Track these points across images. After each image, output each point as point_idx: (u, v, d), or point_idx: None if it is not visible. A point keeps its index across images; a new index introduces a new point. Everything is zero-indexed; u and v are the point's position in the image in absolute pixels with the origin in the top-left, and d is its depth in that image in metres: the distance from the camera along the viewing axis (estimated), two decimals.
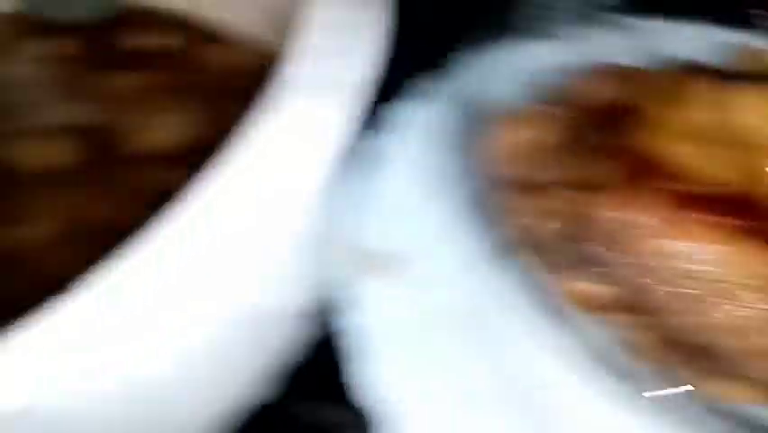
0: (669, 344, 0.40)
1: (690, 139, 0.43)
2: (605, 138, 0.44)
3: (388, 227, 0.44)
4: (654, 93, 0.45)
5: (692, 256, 0.38)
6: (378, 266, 0.42)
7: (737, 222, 0.38)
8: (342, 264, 0.42)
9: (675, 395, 0.40)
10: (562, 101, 0.47)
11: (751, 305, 0.37)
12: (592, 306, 0.42)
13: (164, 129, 0.50)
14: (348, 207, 0.44)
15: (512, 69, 0.56)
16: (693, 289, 0.38)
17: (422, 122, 0.48)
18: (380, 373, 0.38)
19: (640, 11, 0.64)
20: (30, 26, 0.57)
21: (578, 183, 0.43)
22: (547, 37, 0.61)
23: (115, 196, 0.45)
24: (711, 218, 0.38)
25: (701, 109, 0.43)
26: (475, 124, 0.50)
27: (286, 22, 0.43)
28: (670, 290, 0.38)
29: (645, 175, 0.40)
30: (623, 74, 0.49)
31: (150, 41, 0.57)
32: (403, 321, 0.40)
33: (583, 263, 0.41)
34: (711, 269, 0.38)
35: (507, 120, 0.48)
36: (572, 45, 0.61)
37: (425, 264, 0.43)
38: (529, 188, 0.44)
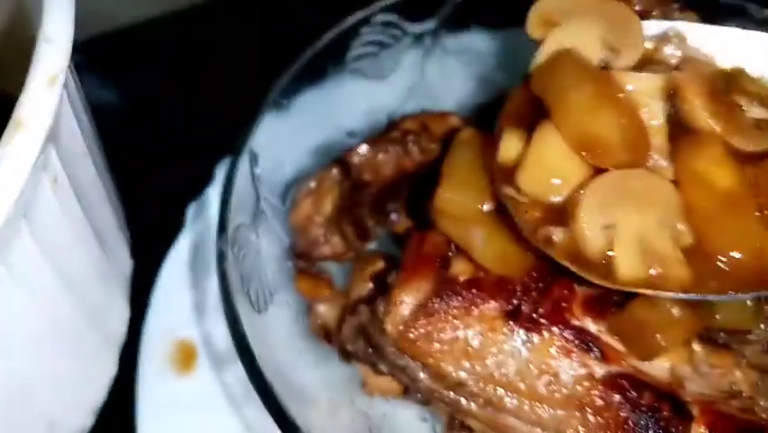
0: None
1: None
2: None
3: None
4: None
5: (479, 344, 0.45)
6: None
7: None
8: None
9: None
10: (348, 166, 0.53)
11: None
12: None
13: None
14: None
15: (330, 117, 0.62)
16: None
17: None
18: None
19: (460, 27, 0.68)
20: None
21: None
22: (378, 77, 0.67)
23: None
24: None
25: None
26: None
27: None
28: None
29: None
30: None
31: None
32: None
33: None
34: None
35: (308, 190, 0.55)
36: (399, 85, 0.67)
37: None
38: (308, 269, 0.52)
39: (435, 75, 0.72)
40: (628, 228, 0.42)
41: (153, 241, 0.70)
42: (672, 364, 0.46)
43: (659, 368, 0.46)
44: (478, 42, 0.74)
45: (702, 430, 0.43)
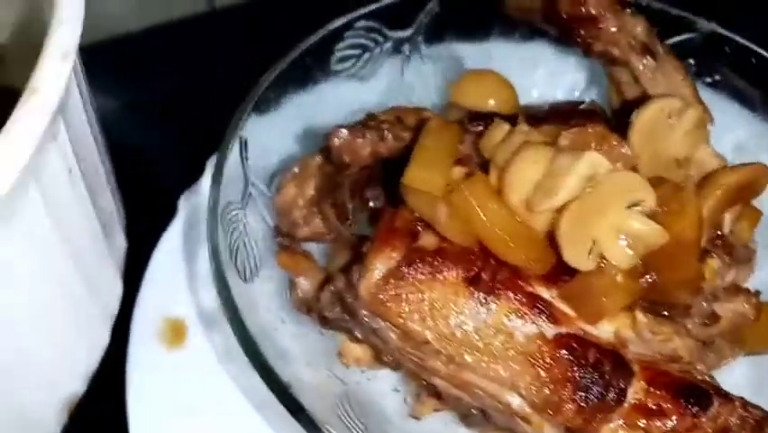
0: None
1: None
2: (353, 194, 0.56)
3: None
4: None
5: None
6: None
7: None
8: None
9: None
10: (329, 153, 0.58)
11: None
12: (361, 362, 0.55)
13: None
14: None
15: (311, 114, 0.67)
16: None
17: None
18: None
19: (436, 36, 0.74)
20: None
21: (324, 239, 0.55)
22: (361, 79, 0.72)
23: None
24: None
25: None
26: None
27: None
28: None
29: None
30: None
31: None
32: None
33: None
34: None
35: (292, 174, 0.59)
36: (379, 87, 0.72)
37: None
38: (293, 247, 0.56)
39: (413, 78, 0.78)
40: None
41: (146, 227, 0.75)
42: (616, 329, 0.51)
43: (605, 331, 0.51)
44: (453, 50, 0.81)
45: (642, 384, 0.48)
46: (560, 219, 0.47)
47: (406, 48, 0.76)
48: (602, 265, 0.48)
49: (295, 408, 0.47)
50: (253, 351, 0.48)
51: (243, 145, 0.61)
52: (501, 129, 0.53)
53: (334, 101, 0.73)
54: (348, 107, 0.75)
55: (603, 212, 0.47)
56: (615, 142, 0.49)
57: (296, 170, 0.62)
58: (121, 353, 0.68)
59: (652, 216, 0.48)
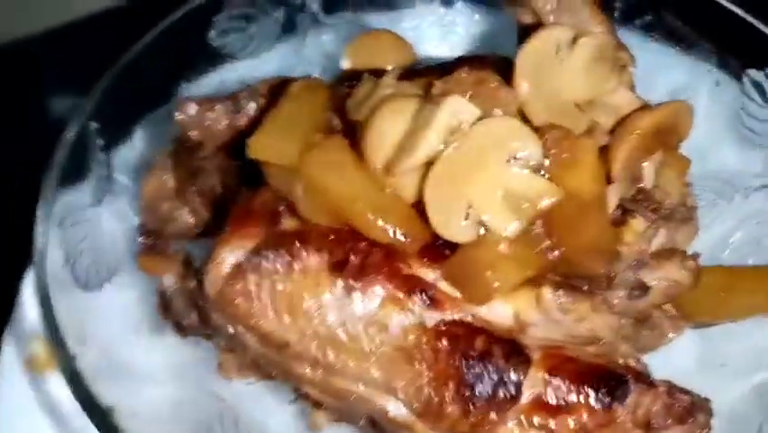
0: None
1: None
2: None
3: None
4: None
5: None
6: None
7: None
8: None
9: None
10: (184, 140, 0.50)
11: None
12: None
13: None
14: None
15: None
16: None
17: None
18: None
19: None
20: None
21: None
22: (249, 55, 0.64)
23: None
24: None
25: None
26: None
27: None
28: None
29: None
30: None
31: None
32: None
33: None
34: None
35: (153, 165, 0.52)
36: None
37: None
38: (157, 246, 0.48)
39: (312, 52, 0.70)
40: None
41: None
42: (516, 310, 0.42)
43: (502, 315, 0.42)
44: (358, 19, 0.72)
45: (541, 375, 0.39)
46: (424, 183, 0.39)
47: (301, 18, 0.68)
48: (482, 234, 0.40)
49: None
50: (68, 369, 0.40)
51: (94, 133, 0.53)
52: (368, 85, 0.45)
53: (217, 85, 0.65)
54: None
55: (476, 169, 0.38)
56: (493, 84, 0.41)
57: (158, 158, 0.54)
58: None
59: (539, 170, 0.39)
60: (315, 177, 0.41)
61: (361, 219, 0.40)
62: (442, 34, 0.75)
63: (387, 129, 0.40)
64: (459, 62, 0.50)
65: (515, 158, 0.39)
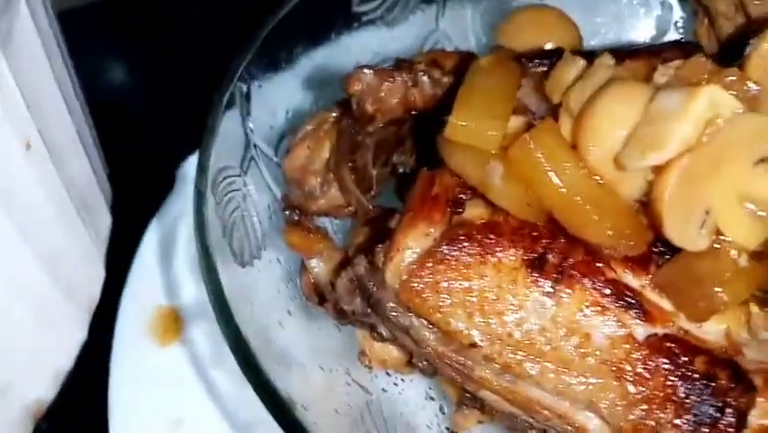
0: None
1: None
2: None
3: None
4: None
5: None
6: None
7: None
8: None
9: None
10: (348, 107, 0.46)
11: None
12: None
13: None
14: None
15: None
16: None
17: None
18: None
19: None
20: None
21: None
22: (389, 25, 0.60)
23: None
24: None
25: None
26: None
27: None
28: None
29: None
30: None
31: None
32: None
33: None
34: None
35: (304, 133, 0.48)
36: (411, 33, 0.60)
37: None
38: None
39: (449, 25, 0.66)
40: None
41: (138, 202, 0.64)
42: (727, 327, 0.38)
43: (714, 331, 0.38)
44: None
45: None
46: (663, 181, 0.34)
47: None
48: (717, 244, 0.35)
49: (296, 430, 0.36)
50: (244, 356, 0.37)
51: (244, 98, 0.50)
52: (575, 65, 0.41)
53: (356, 50, 0.61)
54: (372, 58, 0.63)
55: (723, 171, 0.34)
56: (733, 77, 0.36)
57: (308, 127, 0.50)
58: (104, 350, 0.58)
59: None
60: (526, 164, 0.37)
61: (577, 215, 0.36)
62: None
63: (618, 117, 0.35)
64: (661, 47, 0.46)
65: (761, 160, 0.35)
